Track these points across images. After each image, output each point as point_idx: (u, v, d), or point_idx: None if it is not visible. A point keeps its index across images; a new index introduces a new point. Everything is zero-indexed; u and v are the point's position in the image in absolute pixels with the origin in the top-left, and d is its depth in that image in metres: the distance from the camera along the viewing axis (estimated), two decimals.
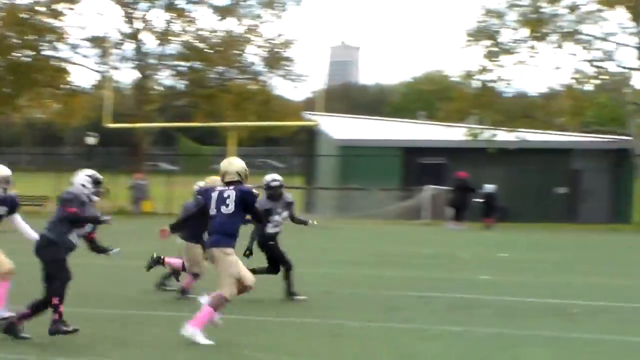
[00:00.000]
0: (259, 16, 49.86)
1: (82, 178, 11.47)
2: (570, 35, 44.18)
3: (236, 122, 44.41)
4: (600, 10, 44.02)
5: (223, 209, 11.10)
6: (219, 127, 47.89)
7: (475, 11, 45.69)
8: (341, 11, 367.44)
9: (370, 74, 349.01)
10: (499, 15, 44.77)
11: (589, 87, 46.91)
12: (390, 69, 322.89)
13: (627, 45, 44.23)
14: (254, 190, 11.35)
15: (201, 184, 15.82)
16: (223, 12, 49.73)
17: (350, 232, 33.82)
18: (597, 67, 44.75)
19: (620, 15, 44.82)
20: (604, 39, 44.44)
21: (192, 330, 10.84)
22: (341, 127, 50.33)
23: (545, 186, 44.97)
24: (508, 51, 44.72)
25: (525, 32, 44.43)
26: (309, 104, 62.53)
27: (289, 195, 15.32)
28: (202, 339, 10.80)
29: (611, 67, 45.07)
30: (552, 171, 45.05)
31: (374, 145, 45.72)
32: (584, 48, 44.47)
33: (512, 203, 43.03)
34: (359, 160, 44.26)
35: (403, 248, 24.78)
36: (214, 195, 11.22)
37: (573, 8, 44.08)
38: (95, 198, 11.48)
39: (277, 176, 15.26)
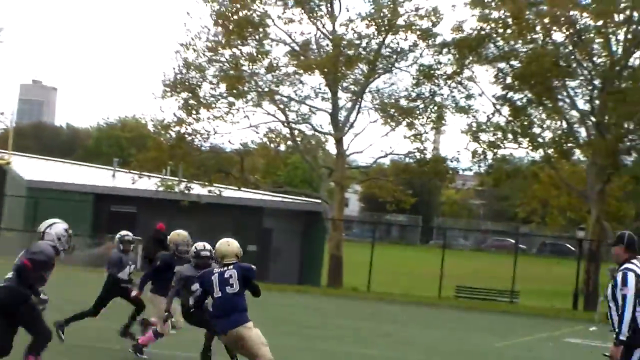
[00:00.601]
0: None
1: (60, 230, 10.39)
2: (268, 95, 44.86)
3: None
4: (298, 74, 44.99)
5: (228, 290, 11.04)
6: None
7: (174, 62, 45.03)
8: (36, 50, 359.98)
9: (67, 115, 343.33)
10: (199, 69, 44.70)
11: (282, 147, 47.82)
12: (85, 111, 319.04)
13: (322, 110, 45.37)
14: (253, 267, 11.35)
15: (123, 233, 15.07)
16: None
17: None
18: (292, 128, 45.67)
19: (317, 80, 45.96)
20: (300, 102, 45.46)
21: None
22: (31, 168, 48.81)
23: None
24: (206, 105, 44.59)
25: (224, 87, 44.57)
26: None
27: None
28: None
29: (306, 129, 46.16)
30: (245, 228, 45.24)
31: (65, 189, 44.54)
32: (280, 109, 45.28)
33: None
34: (48, 203, 42.86)
35: (86, 297, 23.93)
36: (214, 278, 11.16)
37: (271, 69, 44.78)
38: (63, 255, 10.32)
39: (207, 245, 14.39)
